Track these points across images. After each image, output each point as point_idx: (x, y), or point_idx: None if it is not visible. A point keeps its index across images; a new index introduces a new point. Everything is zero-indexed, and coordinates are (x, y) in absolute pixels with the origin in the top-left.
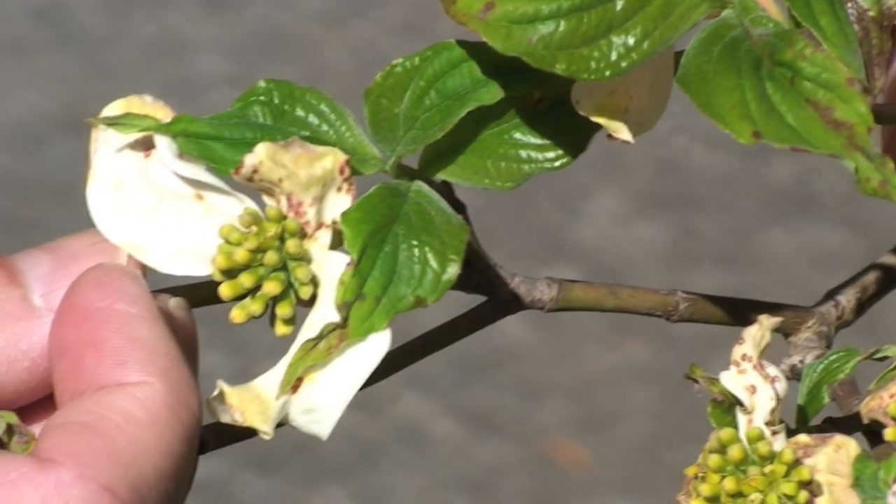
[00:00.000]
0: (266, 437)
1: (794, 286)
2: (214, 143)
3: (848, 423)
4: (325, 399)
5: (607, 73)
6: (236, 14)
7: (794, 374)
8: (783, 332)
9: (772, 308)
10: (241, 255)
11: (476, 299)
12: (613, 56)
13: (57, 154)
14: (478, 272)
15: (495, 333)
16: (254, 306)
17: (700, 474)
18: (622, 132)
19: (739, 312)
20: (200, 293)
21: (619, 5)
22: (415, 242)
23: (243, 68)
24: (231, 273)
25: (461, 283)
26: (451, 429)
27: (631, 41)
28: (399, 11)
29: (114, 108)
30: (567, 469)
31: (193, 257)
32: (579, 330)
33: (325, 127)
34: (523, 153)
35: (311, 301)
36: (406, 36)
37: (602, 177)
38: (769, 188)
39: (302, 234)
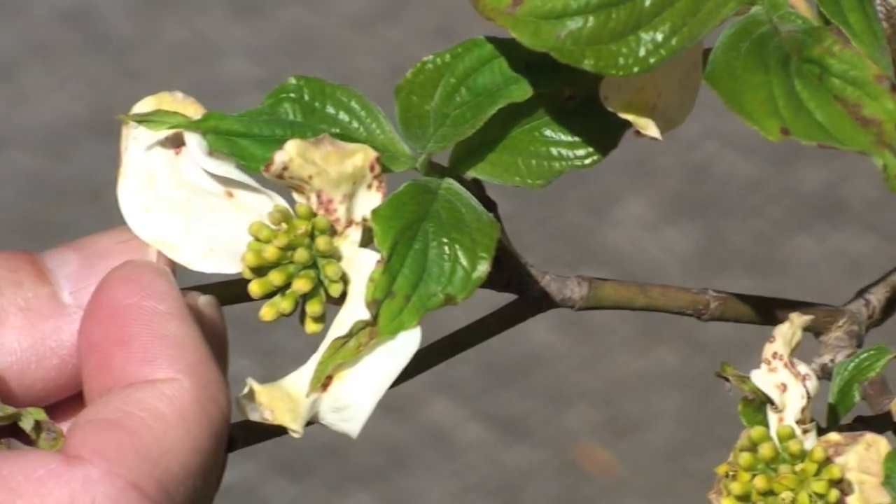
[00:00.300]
0: (296, 436)
1: (823, 292)
2: (244, 140)
3: (878, 422)
4: (355, 397)
5: (635, 69)
6: (265, 18)
7: (824, 374)
8: (814, 331)
9: (803, 307)
10: (270, 252)
11: (506, 299)
12: (642, 52)
13: (86, 158)
14: (508, 270)
15: (524, 338)
16: (283, 304)
17: (731, 473)
18: (650, 129)
19: (770, 311)
20: (230, 291)
21: (648, 1)
22: (445, 240)
23: (272, 73)
24: (261, 271)
25: (491, 282)
26: (479, 433)
27: (659, 37)
28: (431, 16)
29: (144, 105)
30: (594, 474)
31: (223, 255)
32: (607, 335)
33: (355, 124)
34: (554, 150)
35: (341, 299)
36: (437, 41)
37: (631, 182)
38: (797, 194)
39: (332, 232)
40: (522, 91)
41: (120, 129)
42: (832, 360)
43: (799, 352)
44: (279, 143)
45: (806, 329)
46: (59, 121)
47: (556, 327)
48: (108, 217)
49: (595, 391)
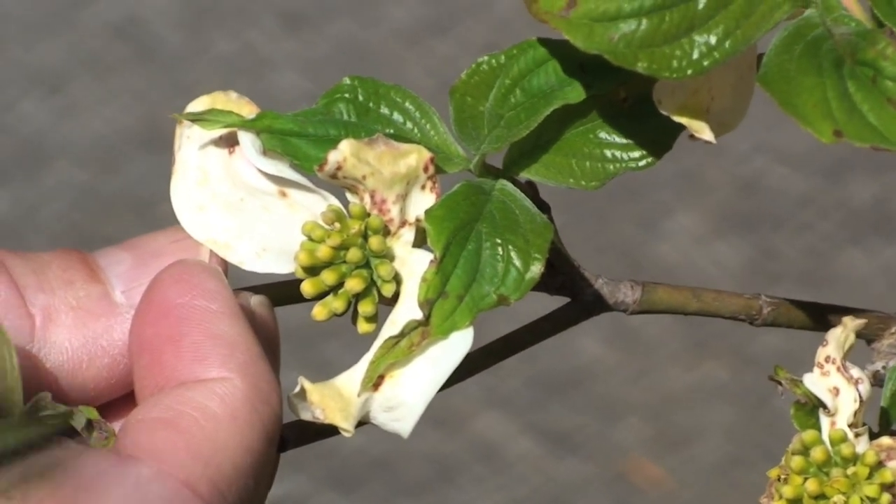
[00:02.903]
0: (347, 435)
1: (874, 307)
2: (298, 140)
3: None
4: (406, 397)
5: (689, 71)
6: (315, 31)
7: (877, 381)
8: (866, 338)
9: (855, 313)
10: (323, 251)
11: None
12: (695, 55)
13: (136, 171)
14: (561, 273)
15: (574, 352)
16: (336, 303)
17: (783, 476)
18: (704, 132)
19: (822, 317)
20: (283, 292)
21: (701, 4)
22: (498, 241)
23: (322, 86)
24: (314, 270)
25: (545, 284)
26: (529, 447)
27: (713, 40)
28: (480, 29)
29: (198, 105)
30: (644, 488)
31: (276, 254)
32: (657, 349)
33: (409, 125)
34: (608, 152)
35: (394, 299)
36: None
37: (681, 196)
38: (848, 208)
39: (385, 232)
40: (576, 93)
41: (170, 141)
42: (884, 367)
43: (852, 359)
44: (333, 142)
45: (858, 336)
46: (109, 133)
47: (606, 341)
48: (158, 230)
49: (645, 405)
